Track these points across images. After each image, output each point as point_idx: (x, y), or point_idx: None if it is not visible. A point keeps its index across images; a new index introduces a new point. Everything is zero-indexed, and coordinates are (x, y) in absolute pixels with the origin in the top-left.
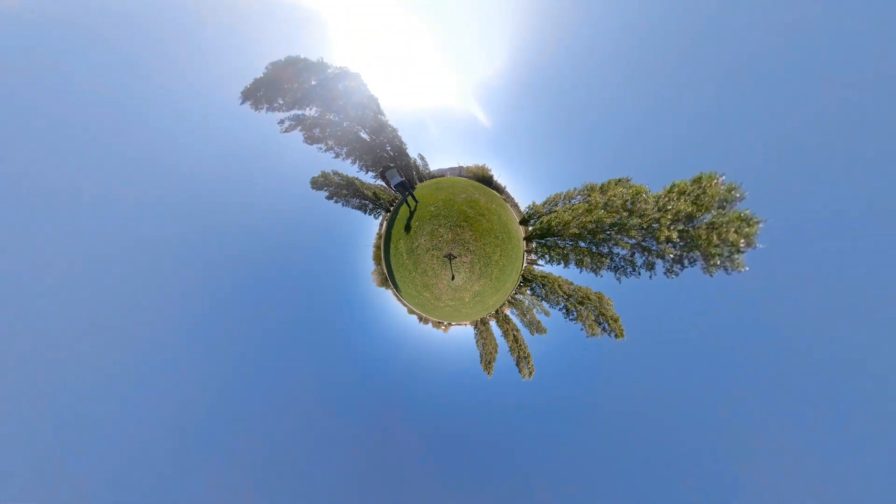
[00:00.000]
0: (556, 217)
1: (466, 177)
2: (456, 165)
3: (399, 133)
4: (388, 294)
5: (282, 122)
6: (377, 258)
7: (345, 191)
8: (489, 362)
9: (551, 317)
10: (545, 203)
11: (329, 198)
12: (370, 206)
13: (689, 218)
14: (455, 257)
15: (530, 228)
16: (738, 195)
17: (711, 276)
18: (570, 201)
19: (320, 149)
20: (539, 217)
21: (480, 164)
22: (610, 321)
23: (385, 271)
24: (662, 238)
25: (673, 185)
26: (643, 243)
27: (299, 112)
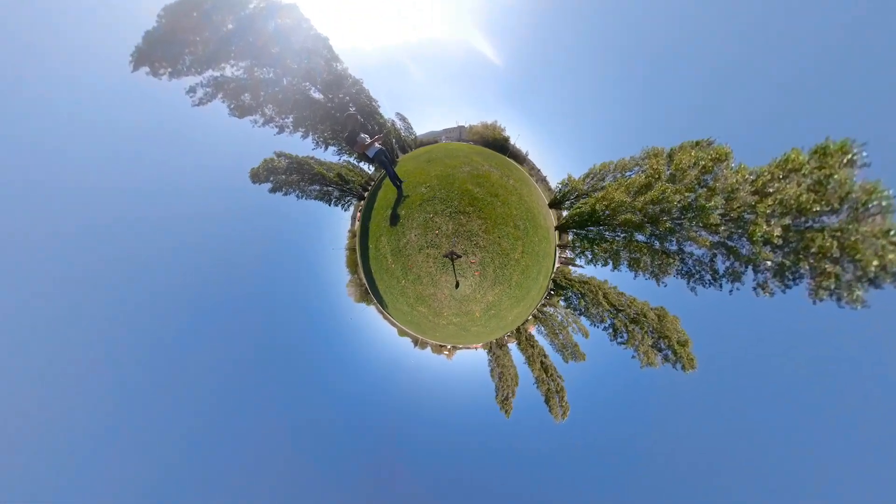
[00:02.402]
0: (602, 197)
1: (470, 141)
2: (454, 125)
3: (365, 86)
4: (372, 311)
5: (192, 90)
6: (352, 264)
7: (295, 176)
8: (506, 398)
9: (591, 338)
10: (587, 176)
11: (274, 190)
12: (335, 193)
13: (801, 212)
14: (459, 257)
15: (565, 214)
16: (886, 202)
17: (814, 303)
18: (623, 174)
19: (255, 122)
20: (578, 197)
21: (490, 123)
22: (675, 347)
23: (364, 281)
24: (758, 235)
25: (783, 159)
26: (728, 241)
27: (216, 73)
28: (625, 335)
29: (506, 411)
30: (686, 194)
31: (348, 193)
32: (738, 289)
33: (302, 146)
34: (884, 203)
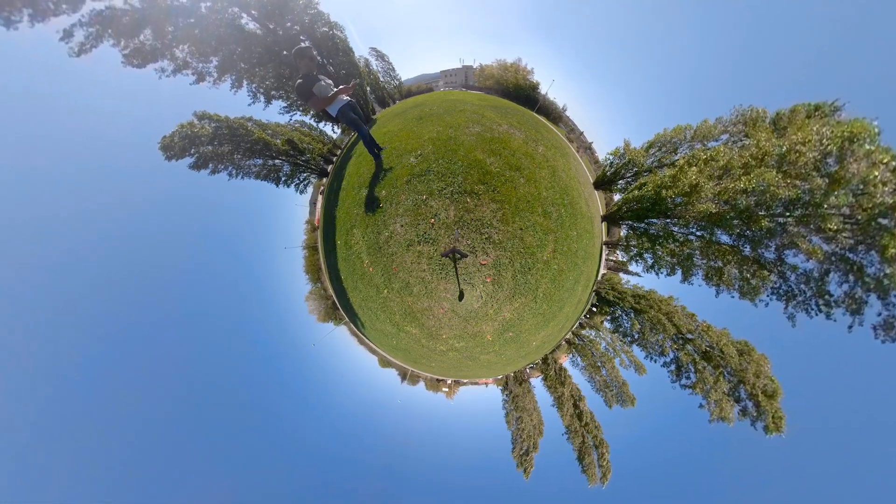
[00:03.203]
0: (671, 176)
1: (481, 89)
2: (458, 66)
3: (323, 8)
4: (343, 332)
5: (68, 34)
6: (313, 269)
7: (227, 146)
8: (526, 452)
9: (646, 375)
10: (651, 146)
11: (197, 166)
12: (285, 168)
13: None
14: (465, 256)
15: (617, 198)
16: None
17: None
18: (705, 145)
19: (161, 72)
20: (637, 174)
21: (510, 62)
22: (759, 399)
23: (331, 292)
24: (894, 250)
25: None
26: (851, 254)
27: (99, 5)
28: (692, 376)
29: (524, 470)
30: (799, 182)
31: (304, 168)
32: (859, 324)
33: (234, 103)
34: None
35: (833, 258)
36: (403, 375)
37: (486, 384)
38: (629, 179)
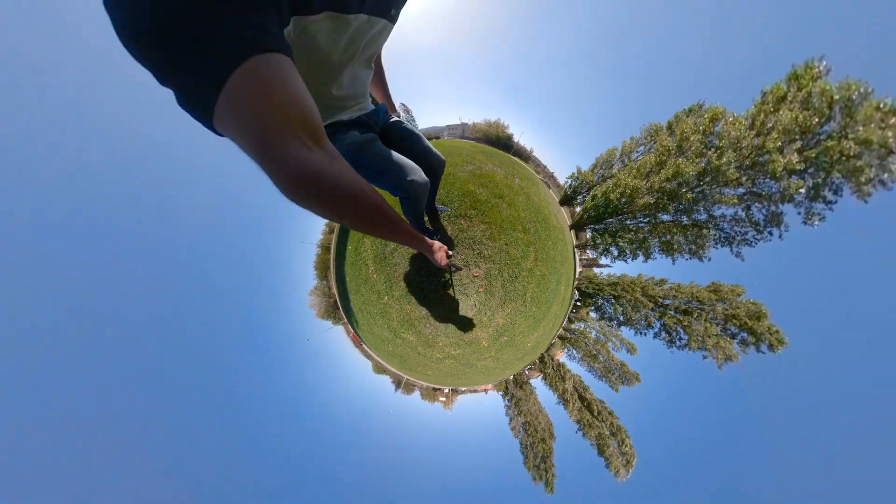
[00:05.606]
0: (614, 185)
1: (472, 139)
2: (457, 122)
3: None
4: (339, 334)
5: None
6: (322, 267)
7: None
8: (543, 458)
9: (641, 353)
10: (594, 167)
11: None
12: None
13: (805, 132)
14: (460, 269)
15: (578, 210)
16: (861, 90)
17: (866, 200)
18: (629, 157)
19: None
20: (589, 189)
21: (493, 120)
22: (748, 323)
23: (334, 291)
24: (780, 170)
25: (763, 94)
26: (755, 189)
27: None
28: (682, 335)
29: (545, 482)
30: (698, 160)
31: None
32: (786, 230)
33: None
34: (861, 90)
35: (746, 197)
36: (398, 384)
37: (486, 391)
38: (584, 194)
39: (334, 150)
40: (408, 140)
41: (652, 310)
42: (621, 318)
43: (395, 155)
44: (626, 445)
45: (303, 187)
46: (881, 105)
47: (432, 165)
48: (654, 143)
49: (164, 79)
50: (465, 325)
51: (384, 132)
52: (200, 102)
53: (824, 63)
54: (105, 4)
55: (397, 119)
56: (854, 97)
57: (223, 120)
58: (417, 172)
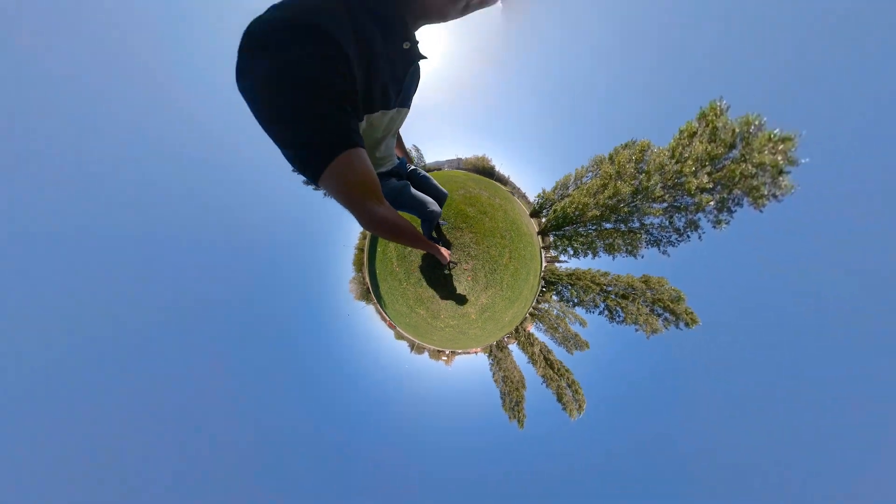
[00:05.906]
0: (570, 202)
1: (465, 169)
2: (454, 158)
3: None
4: (370, 311)
5: None
6: (358, 263)
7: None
8: (517, 403)
9: (589, 327)
10: (555, 188)
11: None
12: None
13: (713, 158)
14: (455, 265)
15: (543, 220)
16: (756, 122)
17: (761, 210)
18: (580, 181)
19: None
20: (552, 205)
21: (480, 156)
22: (670, 305)
23: (367, 280)
24: (694, 188)
25: (680, 131)
26: (675, 203)
27: None
28: (621, 313)
29: (518, 420)
30: (632, 182)
31: None
32: (702, 233)
33: None
34: (756, 123)
35: (668, 210)
36: (412, 346)
37: (476, 353)
38: (548, 209)
39: (388, 204)
40: (424, 183)
41: (598, 294)
42: (575, 301)
43: (419, 193)
44: (578, 395)
45: (380, 229)
46: (772, 135)
47: (440, 198)
48: (599, 170)
49: (285, 150)
50: (460, 302)
51: (408, 177)
52: (311, 173)
53: (724, 101)
54: (242, 92)
55: (414, 168)
56: (751, 129)
57: (326, 184)
58: (434, 205)
